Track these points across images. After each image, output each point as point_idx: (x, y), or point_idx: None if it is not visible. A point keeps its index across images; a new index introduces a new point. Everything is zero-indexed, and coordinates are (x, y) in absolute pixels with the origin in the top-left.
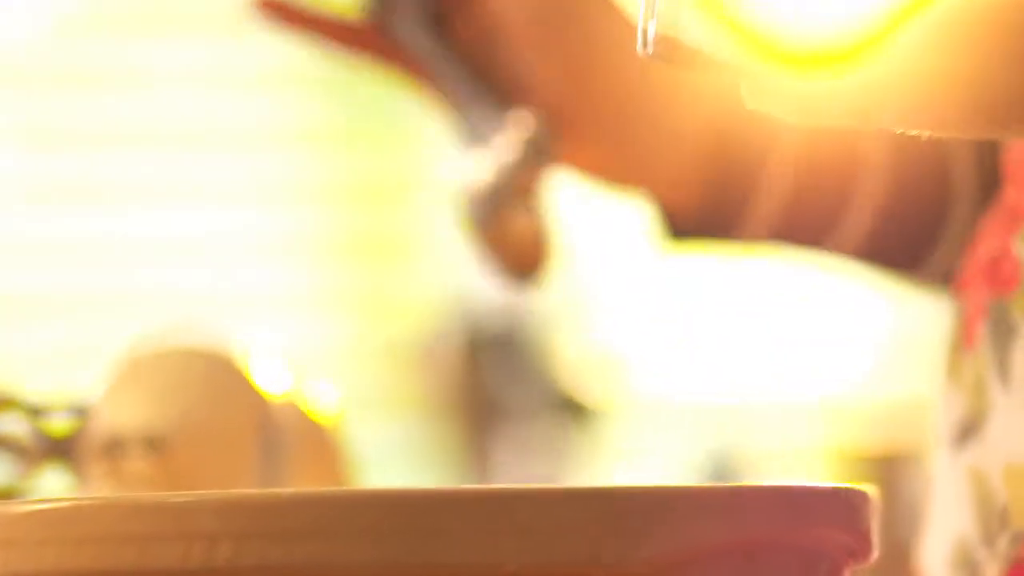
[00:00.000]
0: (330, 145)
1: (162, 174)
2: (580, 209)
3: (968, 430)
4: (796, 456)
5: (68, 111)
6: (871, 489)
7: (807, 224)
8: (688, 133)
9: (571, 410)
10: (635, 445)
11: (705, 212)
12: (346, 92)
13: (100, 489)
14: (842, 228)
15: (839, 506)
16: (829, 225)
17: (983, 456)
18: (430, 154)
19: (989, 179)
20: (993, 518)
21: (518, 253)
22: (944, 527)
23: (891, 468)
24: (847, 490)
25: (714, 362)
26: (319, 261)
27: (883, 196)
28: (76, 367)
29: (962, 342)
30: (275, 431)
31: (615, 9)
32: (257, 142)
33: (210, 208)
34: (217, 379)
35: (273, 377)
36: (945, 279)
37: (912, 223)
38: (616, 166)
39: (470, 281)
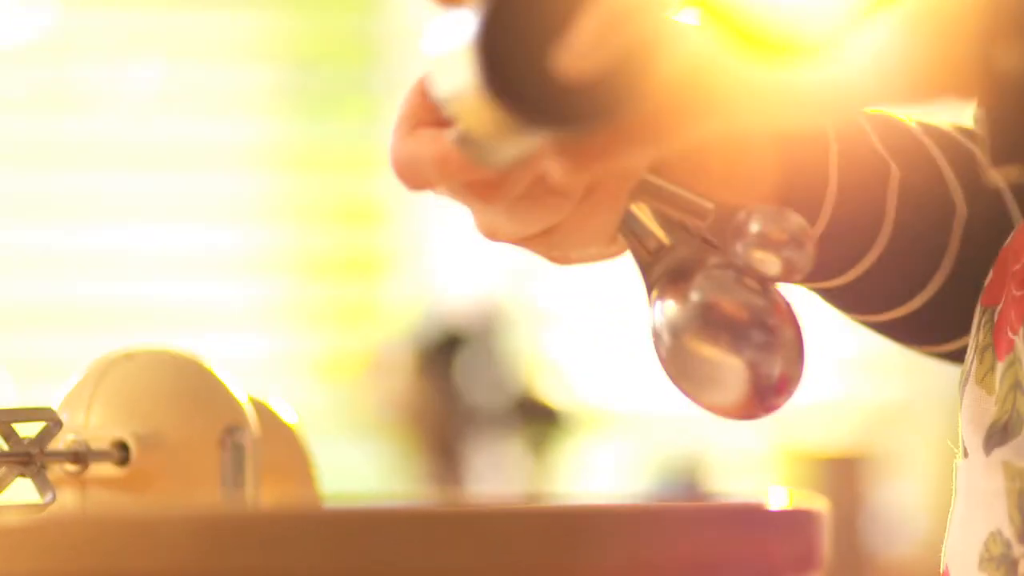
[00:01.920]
0: (295, 163)
1: (132, 190)
2: None
3: (1003, 431)
4: (757, 461)
5: (42, 128)
6: (821, 503)
7: (827, 262)
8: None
9: (538, 419)
10: (599, 453)
11: None
12: (313, 111)
13: (68, 497)
14: (854, 269)
15: (789, 523)
16: (845, 266)
17: (1020, 455)
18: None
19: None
20: None
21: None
22: (973, 526)
23: (855, 472)
24: (797, 507)
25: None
26: (287, 275)
27: (888, 242)
28: (43, 376)
29: (993, 350)
30: (241, 439)
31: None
32: (221, 160)
33: (178, 223)
34: (183, 387)
35: (239, 386)
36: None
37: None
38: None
39: (438, 292)
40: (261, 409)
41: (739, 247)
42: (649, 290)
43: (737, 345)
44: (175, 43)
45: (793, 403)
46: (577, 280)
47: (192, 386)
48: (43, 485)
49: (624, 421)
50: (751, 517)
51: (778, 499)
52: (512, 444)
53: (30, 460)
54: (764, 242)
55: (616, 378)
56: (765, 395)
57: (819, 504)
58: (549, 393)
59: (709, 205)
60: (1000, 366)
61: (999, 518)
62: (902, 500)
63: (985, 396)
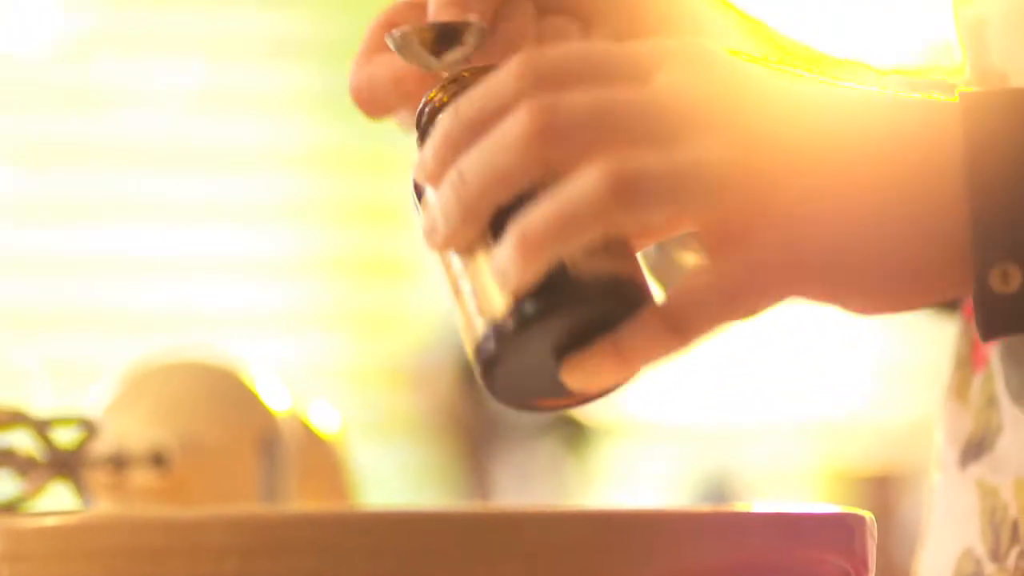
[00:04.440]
0: (332, 166)
1: (169, 193)
2: None
3: (977, 446)
4: (793, 477)
5: (79, 129)
6: (868, 513)
7: None
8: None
9: (569, 430)
10: (632, 465)
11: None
12: (347, 113)
13: (105, 503)
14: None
15: (837, 530)
16: None
17: (994, 471)
18: None
19: None
20: (1004, 532)
21: None
22: (946, 543)
23: (887, 489)
24: (845, 514)
25: (711, 383)
26: (321, 281)
27: None
28: (82, 383)
29: (970, 362)
30: (278, 446)
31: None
32: (259, 163)
33: (214, 227)
34: (221, 394)
35: (276, 393)
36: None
37: None
38: None
39: None
40: (298, 417)
41: None
42: None
43: None
44: (212, 44)
45: (829, 420)
46: None
47: (230, 393)
48: (81, 492)
49: (658, 434)
50: (799, 523)
51: (826, 507)
52: (545, 455)
53: (67, 467)
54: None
55: (651, 389)
56: None
57: (866, 514)
58: (586, 407)
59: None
60: (976, 379)
61: (972, 536)
62: None
63: (962, 410)
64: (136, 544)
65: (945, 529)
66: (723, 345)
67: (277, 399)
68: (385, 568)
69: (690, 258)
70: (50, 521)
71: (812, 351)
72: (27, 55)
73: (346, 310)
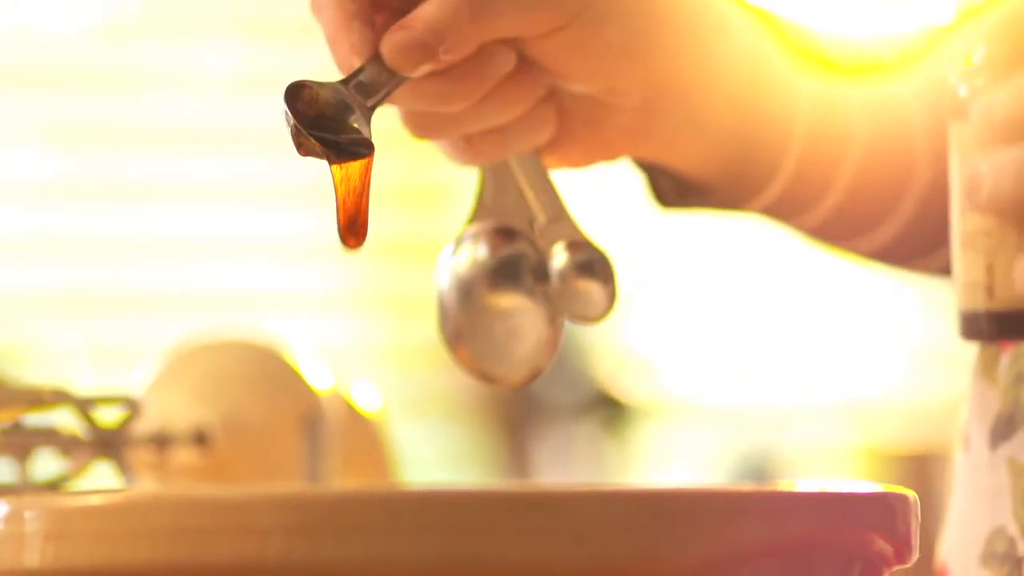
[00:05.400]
0: (381, 145)
1: (211, 174)
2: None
3: (1007, 425)
4: (831, 456)
5: (118, 110)
6: (912, 492)
7: (853, 221)
8: (716, 107)
9: (610, 410)
10: (670, 445)
11: (722, 186)
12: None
13: (147, 482)
14: (881, 229)
15: (881, 509)
16: (872, 224)
17: None
18: None
19: None
20: None
21: None
22: (975, 522)
23: (925, 467)
24: (889, 493)
25: (750, 363)
26: (363, 261)
27: (921, 201)
28: (124, 362)
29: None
30: (320, 425)
31: None
32: None
33: (255, 208)
34: (263, 373)
35: (318, 372)
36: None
37: (938, 224)
38: (639, 140)
39: None
40: (341, 395)
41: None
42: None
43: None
44: (251, 25)
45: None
46: (650, 270)
47: (272, 373)
48: (123, 470)
49: (697, 413)
50: (844, 502)
51: (870, 486)
52: (584, 435)
53: (110, 445)
54: (571, 277)
55: (690, 369)
56: None
57: (910, 493)
58: (621, 383)
59: (559, 209)
60: (1004, 358)
61: (1003, 514)
62: None
63: (989, 389)
64: (180, 524)
65: (974, 508)
66: (762, 325)
67: (319, 378)
68: (431, 548)
69: (589, 285)
70: (94, 500)
71: (850, 330)
72: (68, 37)
73: (387, 290)
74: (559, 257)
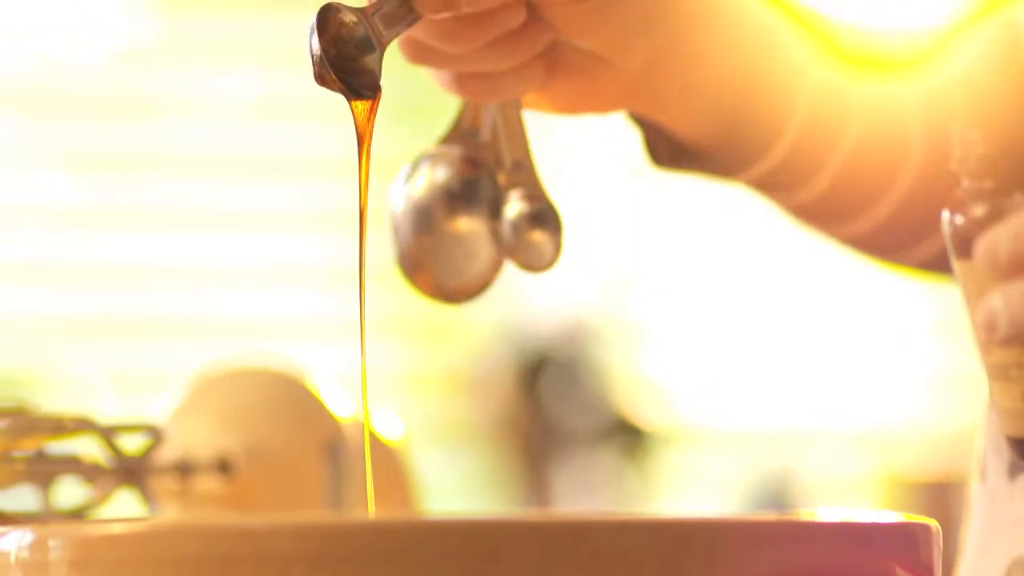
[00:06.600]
0: (394, 174)
1: (233, 201)
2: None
3: None
4: (851, 483)
5: (139, 138)
6: (934, 521)
7: (840, 205)
8: (720, 77)
9: (629, 436)
10: (691, 471)
11: (717, 153)
12: (408, 120)
13: (171, 510)
14: (866, 216)
15: (904, 538)
16: (858, 211)
17: None
18: None
19: None
20: None
21: None
22: (994, 553)
23: (944, 495)
24: (911, 523)
25: (769, 389)
26: (383, 288)
27: (909, 192)
28: (147, 390)
29: None
30: (343, 453)
31: None
32: (322, 171)
33: (277, 235)
34: (286, 401)
35: (340, 400)
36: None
37: (921, 211)
38: (638, 95)
39: (529, 307)
40: (362, 424)
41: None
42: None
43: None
44: (271, 53)
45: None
46: (668, 296)
47: (295, 400)
48: (146, 498)
49: (716, 439)
50: (866, 532)
51: (892, 515)
52: (604, 462)
53: (133, 473)
54: (523, 226)
55: (709, 395)
56: None
57: (931, 522)
58: (640, 410)
59: (525, 157)
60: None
61: (1022, 546)
62: None
63: None
64: (203, 552)
65: (992, 539)
66: (780, 352)
67: (341, 406)
68: (453, 575)
69: (539, 236)
70: (117, 528)
71: (870, 356)
72: (90, 64)
73: (408, 318)
74: (514, 205)
